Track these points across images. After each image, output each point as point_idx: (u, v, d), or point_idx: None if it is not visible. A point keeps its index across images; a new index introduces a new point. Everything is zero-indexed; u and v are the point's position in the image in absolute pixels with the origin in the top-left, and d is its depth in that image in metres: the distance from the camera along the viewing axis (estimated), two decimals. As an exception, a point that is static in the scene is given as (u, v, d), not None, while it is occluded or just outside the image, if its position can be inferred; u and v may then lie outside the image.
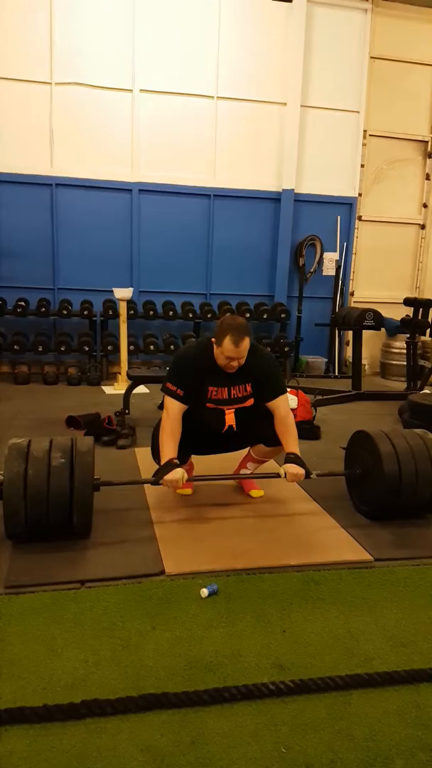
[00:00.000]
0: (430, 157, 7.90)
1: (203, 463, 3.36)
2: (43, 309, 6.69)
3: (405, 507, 2.98)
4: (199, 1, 6.81)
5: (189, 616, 2.19)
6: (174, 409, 2.87)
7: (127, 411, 4.82)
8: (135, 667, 1.91)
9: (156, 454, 3.04)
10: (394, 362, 7.56)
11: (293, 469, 2.84)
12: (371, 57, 7.38)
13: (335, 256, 7.70)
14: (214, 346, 2.85)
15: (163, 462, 2.80)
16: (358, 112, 7.48)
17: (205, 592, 2.31)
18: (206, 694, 1.77)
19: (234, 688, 1.80)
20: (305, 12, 6.97)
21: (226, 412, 2.96)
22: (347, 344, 7.58)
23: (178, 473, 2.75)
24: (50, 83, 6.62)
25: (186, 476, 2.81)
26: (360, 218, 7.81)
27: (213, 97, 7.06)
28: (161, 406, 3.00)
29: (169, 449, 2.81)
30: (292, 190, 7.35)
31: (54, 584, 2.36)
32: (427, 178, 7.96)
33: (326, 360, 7.75)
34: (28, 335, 6.73)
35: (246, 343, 2.77)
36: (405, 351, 6.44)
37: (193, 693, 1.78)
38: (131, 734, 1.64)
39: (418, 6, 7.34)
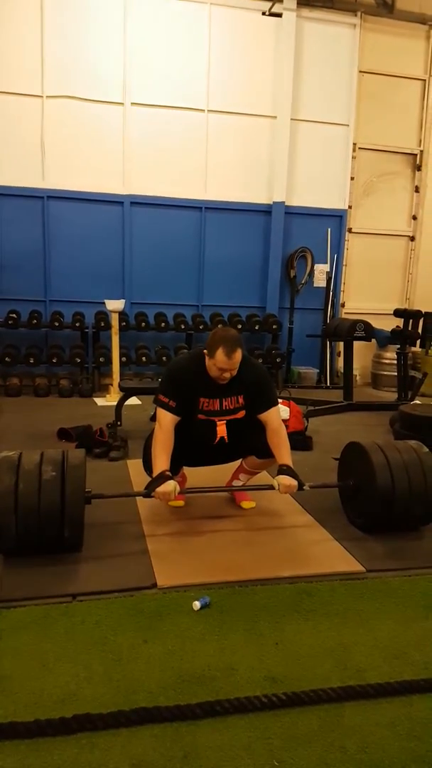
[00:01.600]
0: (419, 170, 8.01)
1: (195, 475, 3.36)
2: (35, 321, 6.69)
3: (398, 519, 2.99)
4: (190, 15, 6.90)
5: (181, 629, 2.18)
6: (166, 420, 2.87)
7: (119, 423, 4.81)
8: (127, 681, 1.90)
9: (148, 466, 3.04)
10: (385, 373, 7.60)
11: (286, 480, 2.84)
12: (360, 71, 7.49)
13: (326, 267, 7.77)
14: (206, 358, 2.86)
15: (155, 474, 2.80)
16: (348, 125, 7.59)
17: (197, 604, 2.30)
18: (198, 708, 1.77)
19: (226, 701, 1.80)
20: (295, 27, 7.08)
21: (218, 423, 2.97)
22: (339, 355, 7.62)
23: (170, 485, 2.74)
24: (41, 96, 6.67)
25: (178, 488, 2.80)
26: (350, 230, 7.88)
27: (204, 110, 7.14)
28: (153, 418, 3.00)
29: (161, 461, 2.80)
30: (283, 202, 7.42)
31: (45, 598, 2.34)
32: (416, 190, 8.07)
33: (318, 371, 7.79)
34: (19, 347, 6.72)
35: (238, 354, 2.79)
36: (396, 362, 6.47)
37: (185, 706, 1.77)
38: (123, 749, 1.63)
39: (405, 21, 7.49)
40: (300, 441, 4.50)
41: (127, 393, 5.06)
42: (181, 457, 3.02)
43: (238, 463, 3.34)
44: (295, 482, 2.85)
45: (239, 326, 7.12)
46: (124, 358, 6.68)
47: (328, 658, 2.06)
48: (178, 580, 2.50)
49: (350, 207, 7.80)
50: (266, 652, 2.07)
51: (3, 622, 2.18)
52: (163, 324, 7.04)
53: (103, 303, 6.36)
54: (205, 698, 1.82)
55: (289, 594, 2.45)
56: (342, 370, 6.44)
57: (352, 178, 7.74)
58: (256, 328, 7.28)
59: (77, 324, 6.80)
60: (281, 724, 1.74)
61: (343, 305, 8.04)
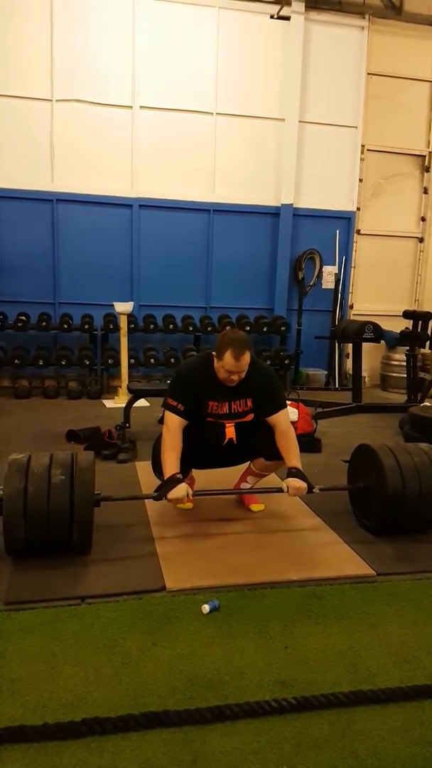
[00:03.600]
0: (427, 171, 7.98)
1: (203, 478, 3.35)
2: (44, 323, 6.72)
3: (408, 522, 2.97)
4: (198, 18, 6.92)
5: (190, 632, 2.17)
6: (174, 424, 2.87)
7: (127, 425, 4.82)
8: (136, 685, 1.89)
9: (157, 469, 3.03)
10: (394, 374, 7.56)
11: (295, 483, 2.83)
12: (368, 73, 7.48)
13: (334, 269, 7.75)
14: (215, 360, 2.86)
15: (165, 477, 2.79)
16: (356, 127, 7.57)
17: (206, 608, 2.29)
18: (208, 712, 1.76)
19: (236, 705, 1.78)
20: (303, 30, 7.08)
21: (227, 426, 2.96)
22: (347, 357, 7.59)
23: (182, 490, 2.73)
24: (51, 100, 6.71)
25: (190, 492, 2.79)
26: (359, 232, 7.86)
27: (212, 113, 7.15)
28: (161, 421, 2.99)
29: (171, 464, 2.80)
30: (291, 204, 7.41)
31: (54, 601, 2.34)
32: (425, 191, 8.03)
33: (326, 372, 7.77)
34: (28, 349, 6.75)
35: (247, 357, 2.78)
36: (405, 363, 6.45)
37: (194, 710, 1.76)
38: (132, 753, 1.62)
39: (414, 23, 7.47)
40: (309, 443, 4.49)
41: (135, 395, 5.06)
42: (190, 460, 3.01)
43: (246, 465, 3.33)
44: (304, 485, 2.84)
45: (247, 328, 7.12)
46: (132, 360, 6.69)
47: (338, 662, 2.04)
48: (187, 583, 2.49)
49: (359, 209, 7.78)
50: (276, 656, 2.06)
51: (12, 624, 2.18)
52: (171, 326, 7.04)
53: (112, 305, 6.38)
54: (215, 702, 1.80)
55: (299, 597, 2.44)
56: (351, 372, 6.42)
57: (360, 180, 7.72)
58: (265, 329, 7.27)
59: (86, 326, 6.83)
60: (291, 729, 1.73)
61: (351, 307, 8.01)
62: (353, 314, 7.93)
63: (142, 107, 6.94)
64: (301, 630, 2.21)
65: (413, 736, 1.72)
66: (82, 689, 1.86)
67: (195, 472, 3.34)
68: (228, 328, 6.94)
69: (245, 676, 1.94)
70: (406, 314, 6.45)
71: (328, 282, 7.76)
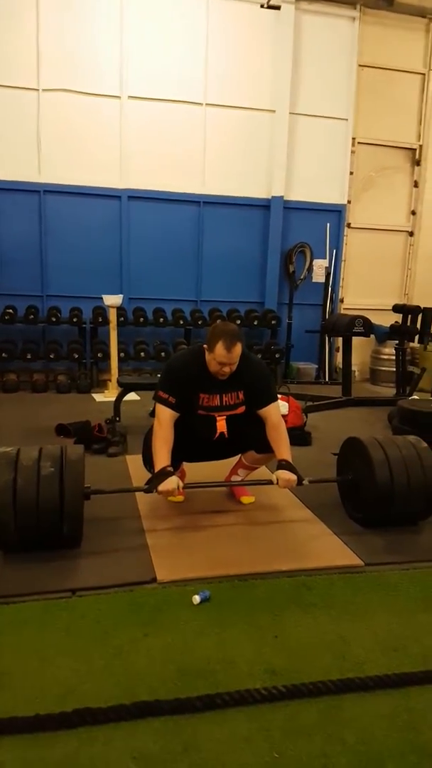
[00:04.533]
0: (418, 165, 7.99)
1: (194, 470, 3.36)
2: (32, 316, 6.67)
3: (397, 514, 3.00)
4: (187, 7, 6.86)
5: (181, 623, 2.18)
6: (166, 417, 2.87)
7: (117, 418, 4.81)
8: (127, 675, 1.90)
9: (148, 462, 3.04)
10: (384, 368, 7.60)
11: (285, 475, 2.85)
12: (359, 65, 7.46)
13: (325, 263, 7.75)
14: (206, 353, 2.86)
15: (156, 470, 2.80)
16: (347, 119, 7.55)
17: (197, 598, 2.31)
18: (198, 701, 1.77)
19: (226, 694, 1.81)
20: (293, 19, 7.04)
21: (218, 418, 2.97)
22: (337, 351, 7.62)
23: (172, 482, 2.74)
24: (37, 90, 6.63)
25: (181, 484, 2.80)
26: (349, 225, 7.87)
27: (202, 104, 7.10)
28: (153, 414, 2.99)
29: (162, 457, 2.80)
30: (282, 197, 7.40)
31: (45, 593, 2.35)
32: (416, 185, 8.05)
33: (317, 366, 7.79)
34: (16, 343, 6.70)
35: (238, 348, 2.79)
36: (394, 357, 6.48)
37: (185, 700, 1.78)
38: (124, 742, 1.64)
39: (405, 15, 7.44)
40: (299, 436, 4.51)
41: (125, 388, 5.05)
42: (181, 453, 3.02)
43: (237, 458, 3.34)
44: (294, 477, 2.86)
45: (238, 321, 7.11)
46: (122, 354, 6.67)
47: (327, 650, 2.07)
48: (178, 575, 2.51)
49: (349, 202, 7.78)
50: (266, 645, 2.08)
51: (3, 617, 2.19)
52: (161, 319, 7.02)
53: (101, 298, 6.34)
54: (205, 691, 1.82)
55: (289, 588, 2.46)
56: (341, 366, 6.45)
57: (351, 173, 7.71)
58: (255, 323, 7.28)
59: (75, 319, 6.78)
60: (281, 717, 1.75)
61: (342, 301, 8.03)
62: (344, 308, 7.95)
63: (130, 97, 6.87)
64: (290, 620, 2.24)
65: (400, 722, 1.75)
66: (74, 681, 1.87)
67: (186, 465, 3.35)
68: (219, 321, 6.94)
69: (235, 666, 1.97)
70: (396, 308, 6.48)
71: (318, 276, 7.76)
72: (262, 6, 7.01)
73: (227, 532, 2.97)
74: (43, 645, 2.04)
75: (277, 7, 6.99)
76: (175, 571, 2.53)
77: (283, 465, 2.88)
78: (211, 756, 1.60)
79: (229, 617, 2.23)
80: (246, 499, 3.33)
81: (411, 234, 8.16)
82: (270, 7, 7.00)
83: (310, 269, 7.73)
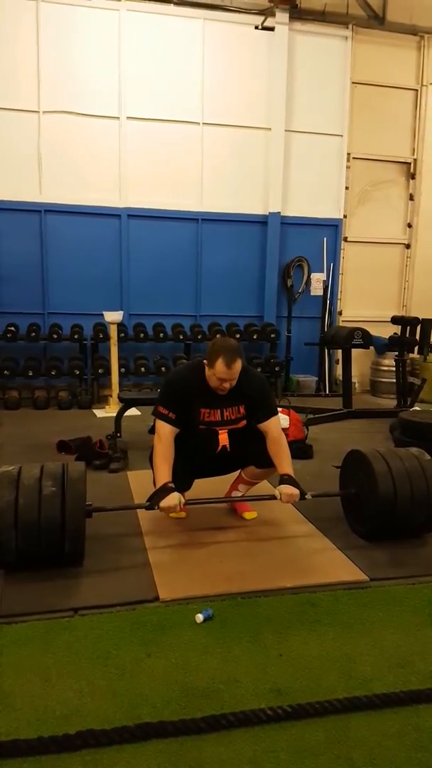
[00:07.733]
0: (413, 178, 8.06)
1: (195, 487, 3.33)
2: (33, 334, 6.70)
3: (401, 527, 2.98)
4: (184, 29, 6.98)
5: (184, 642, 2.16)
6: (166, 432, 2.87)
7: (118, 434, 4.81)
8: (130, 696, 1.88)
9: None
10: (384, 380, 7.60)
11: (288, 490, 2.84)
12: (353, 82, 7.57)
13: (322, 276, 7.79)
14: (206, 368, 2.87)
15: (157, 486, 2.78)
16: (342, 135, 7.64)
17: (200, 617, 2.28)
18: (203, 722, 1.75)
19: (231, 714, 1.78)
20: (287, 40, 7.15)
21: (219, 432, 2.97)
22: (337, 363, 7.63)
23: (174, 498, 2.72)
24: (38, 112, 6.72)
25: (183, 500, 2.78)
26: (346, 239, 7.92)
27: (199, 123, 7.19)
28: (152, 430, 2.99)
29: (162, 473, 2.79)
30: (279, 213, 7.46)
31: (47, 613, 2.33)
32: (411, 198, 8.12)
33: (317, 379, 7.80)
34: (18, 360, 6.72)
35: (238, 364, 2.79)
36: (394, 369, 6.48)
37: (190, 721, 1.75)
38: (128, 765, 1.61)
39: (396, 33, 7.57)
40: (300, 449, 4.50)
41: (126, 404, 5.05)
42: (186, 469, 3.00)
43: (237, 473, 3.33)
44: (297, 491, 2.84)
45: (237, 336, 7.14)
46: (122, 369, 6.68)
47: (333, 668, 2.04)
48: (181, 593, 2.48)
49: (345, 216, 7.85)
50: (271, 664, 2.05)
51: (4, 637, 2.17)
52: (161, 334, 7.05)
53: (102, 315, 6.37)
54: (210, 712, 1.80)
55: (293, 604, 2.44)
56: (341, 378, 6.45)
57: (346, 188, 7.78)
58: (254, 337, 7.30)
59: (76, 336, 6.81)
60: (287, 737, 1.72)
61: (340, 313, 8.06)
62: (342, 321, 7.98)
63: (129, 118, 6.97)
64: (295, 637, 2.21)
65: (409, 741, 1.72)
66: (77, 701, 1.85)
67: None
68: (218, 336, 6.96)
69: (240, 685, 1.94)
70: (395, 320, 6.50)
71: (316, 289, 7.80)
72: (256, 27, 7.14)
73: (230, 548, 2.95)
74: (46, 665, 2.01)
75: (271, 29, 7.11)
76: (177, 590, 2.51)
77: (286, 480, 2.87)
78: (217, 778, 1.57)
79: (233, 636, 2.21)
80: (248, 515, 3.31)
81: (408, 246, 8.21)
82: (264, 28, 7.12)
83: (308, 283, 7.77)
